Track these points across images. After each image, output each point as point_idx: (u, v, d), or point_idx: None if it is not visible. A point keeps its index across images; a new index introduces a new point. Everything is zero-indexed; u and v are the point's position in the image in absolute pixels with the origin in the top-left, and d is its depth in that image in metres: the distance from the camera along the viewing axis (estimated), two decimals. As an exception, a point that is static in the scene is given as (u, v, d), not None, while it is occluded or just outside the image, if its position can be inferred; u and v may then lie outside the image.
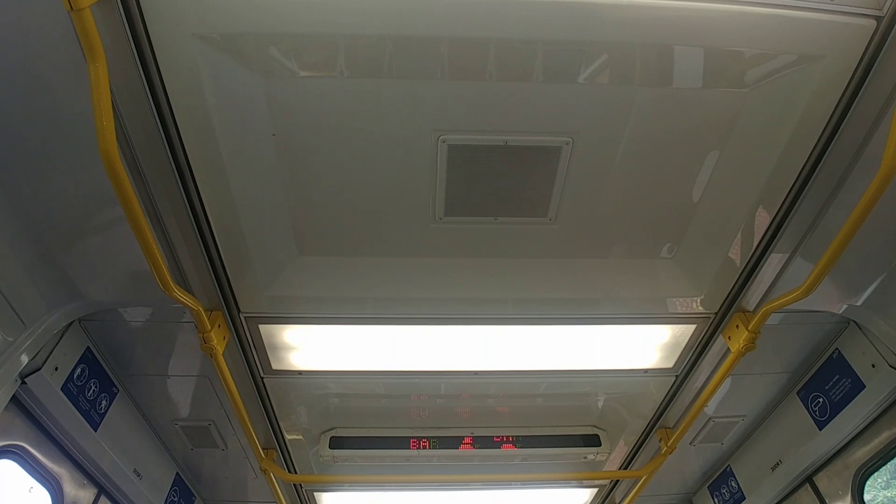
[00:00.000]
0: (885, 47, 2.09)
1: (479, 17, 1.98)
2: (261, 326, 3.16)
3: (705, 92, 2.28)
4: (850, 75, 2.18)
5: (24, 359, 2.88)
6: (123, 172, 1.88)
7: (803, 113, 2.30)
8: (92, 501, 4.09)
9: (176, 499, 4.97)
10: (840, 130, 2.34)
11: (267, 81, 2.10)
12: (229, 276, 2.82)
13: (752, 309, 3.14)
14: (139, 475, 4.28)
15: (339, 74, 2.12)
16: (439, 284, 2.97)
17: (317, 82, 2.14)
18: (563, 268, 2.96)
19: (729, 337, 3.24)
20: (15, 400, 3.08)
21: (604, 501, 5.63)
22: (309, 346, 3.38)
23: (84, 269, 2.78)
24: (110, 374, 3.70)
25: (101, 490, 4.15)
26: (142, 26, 1.88)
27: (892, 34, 2.05)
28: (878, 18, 2.03)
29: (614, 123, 2.36)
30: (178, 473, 4.95)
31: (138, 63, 1.95)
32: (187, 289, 2.79)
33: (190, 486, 5.22)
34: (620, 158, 2.49)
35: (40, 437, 3.45)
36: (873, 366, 3.43)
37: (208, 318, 2.91)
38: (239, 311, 3.04)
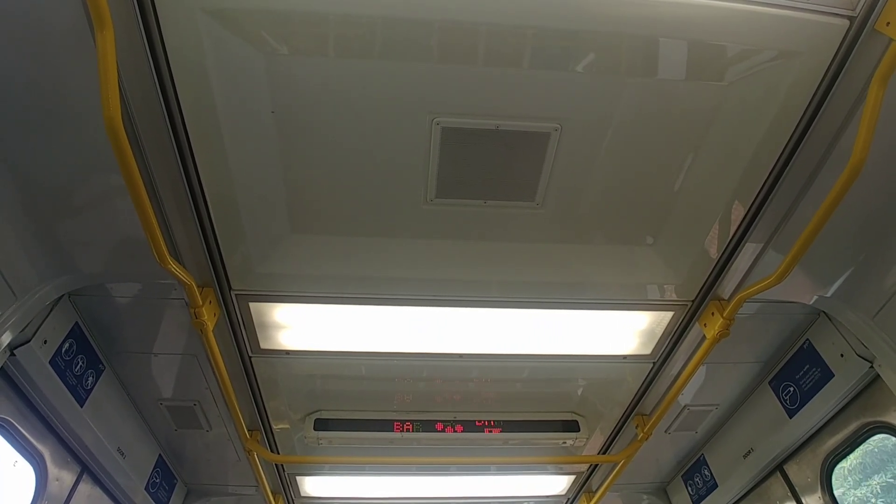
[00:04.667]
0: (856, 46, 2.20)
1: (470, 2, 2.05)
2: (251, 304, 3.21)
3: (688, 84, 2.38)
4: (824, 72, 2.29)
5: (14, 331, 2.89)
6: (126, 141, 1.92)
7: (779, 108, 2.41)
8: (75, 480, 4.10)
9: (158, 480, 4.99)
10: (813, 126, 2.45)
11: (268, 59, 2.15)
12: (222, 252, 2.86)
13: (727, 297, 3.26)
14: (123, 454, 4.29)
15: (337, 54, 2.18)
16: (427, 266, 3.05)
17: (316, 61, 2.20)
18: (547, 252, 3.05)
19: (705, 324, 3.37)
20: (1, 372, 3.09)
21: (580, 489, 5.77)
22: (298, 326, 3.44)
23: (78, 240, 2.81)
24: (97, 351, 3.72)
25: (85, 468, 4.17)
26: None
27: (863, 34, 2.17)
28: (850, 18, 2.14)
29: (601, 111, 2.45)
30: (160, 455, 4.97)
31: (143, 35, 1.99)
32: (180, 264, 2.83)
33: (172, 468, 5.23)
34: (606, 146, 2.59)
35: (26, 412, 3.46)
36: (842, 355, 3.58)
37: (200, 294, 2.95)
38: (230, 288, 3.09)
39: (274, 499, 5.51)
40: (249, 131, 2.39)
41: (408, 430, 4.36)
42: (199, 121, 2.29)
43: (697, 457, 5.26)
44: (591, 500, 5.67)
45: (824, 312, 3.64)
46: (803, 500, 4.29)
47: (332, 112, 2.37)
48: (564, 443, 4.53)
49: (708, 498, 5.14)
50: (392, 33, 2.13)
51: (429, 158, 2.57)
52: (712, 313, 3.30)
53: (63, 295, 3.18)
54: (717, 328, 3.23)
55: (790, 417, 4.07)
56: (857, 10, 2.12)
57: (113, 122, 1.84)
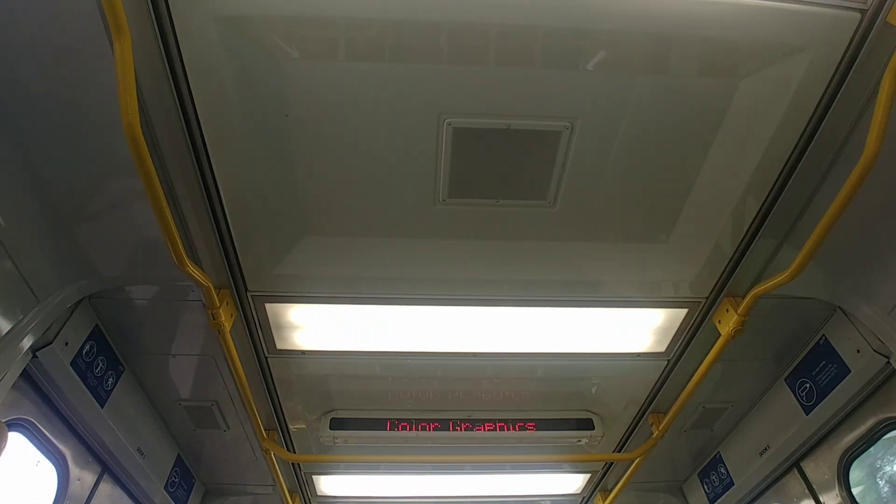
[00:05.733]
0: (868, 40, 2.19)
1: (479, 3, 2.07)
2: (267, 305, 3.25)
3: (699, 81, 2.38)
4: (836, 66, 2.29)
5: (36, 333, 2.96)
6: (145, 146, 1.97)
7: (791, 102, 2.40)
8: (96, 480, 4.17)
9: (177, 479, 5.05)
10: (825, 120, 2.45)
11: (281, 64, 2.19)
12: (238, 254, 2.91)
13: (741, 294, 3.24)
14: (142, 454, 4.36)
15: (348, 58, 2.21)
16: (440, 265, 3.07)
17: (328, 65, 2.23)
18: (560, 251, 3.06)
19: (719, 321, 3.35)
20: (24, 374, 3.16)
21: (596, 487, 5.75)
22: (313, 326, 3.48)
23: (98, 244, 2.87)
24: (117, 353, 3.79)
25: (105, 468, 4.24)
26: (165, 7, 1.97)
27: (875, 27, 2.16)
28: (862, 12, 2.14)
29: (612, 109, 2.46)
30: (179, 455, 5.04)
31: (160, 42, 2.04)
32: (198, 266, 2.87)
33: (190, 468, 5.30)
34: (617, 144, 2.59)
35: (48, 413, 3.53)
36: (858, 351, 3.54)
37: (217, 296, 3.00)
38: (246, 289, 3.13)
39: (291, 498, 5.55)
40: (264, 135, 2.43)
41: (423, 430, 4.38)
42: (214, 125, 2.33)
43: (713, 454, 5.22)
44: (606, 499, 5.64)
45: (840, 308, 3.61)
46: (821, 497, 4.26)
47: (345, 114, 2.40)
48: (579, 441, 4.53)
49: (724, 496, 5.10)
50: (402, 36, 2.15)
51: (440, 159, 2.59)
52: (727, 310, 3.29)
53: (83, 298, 3.23)
54: (731, 325, 3.21)
55: (807, 414, 4.03)
56: (869, 4, 2.12)
57: (131, 127, 1.88)
